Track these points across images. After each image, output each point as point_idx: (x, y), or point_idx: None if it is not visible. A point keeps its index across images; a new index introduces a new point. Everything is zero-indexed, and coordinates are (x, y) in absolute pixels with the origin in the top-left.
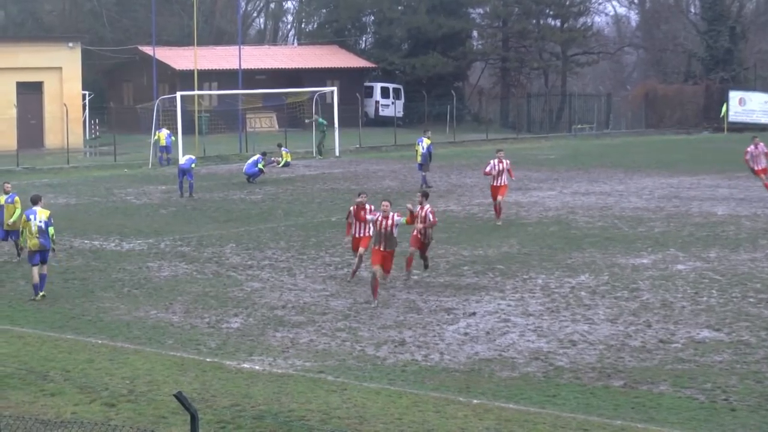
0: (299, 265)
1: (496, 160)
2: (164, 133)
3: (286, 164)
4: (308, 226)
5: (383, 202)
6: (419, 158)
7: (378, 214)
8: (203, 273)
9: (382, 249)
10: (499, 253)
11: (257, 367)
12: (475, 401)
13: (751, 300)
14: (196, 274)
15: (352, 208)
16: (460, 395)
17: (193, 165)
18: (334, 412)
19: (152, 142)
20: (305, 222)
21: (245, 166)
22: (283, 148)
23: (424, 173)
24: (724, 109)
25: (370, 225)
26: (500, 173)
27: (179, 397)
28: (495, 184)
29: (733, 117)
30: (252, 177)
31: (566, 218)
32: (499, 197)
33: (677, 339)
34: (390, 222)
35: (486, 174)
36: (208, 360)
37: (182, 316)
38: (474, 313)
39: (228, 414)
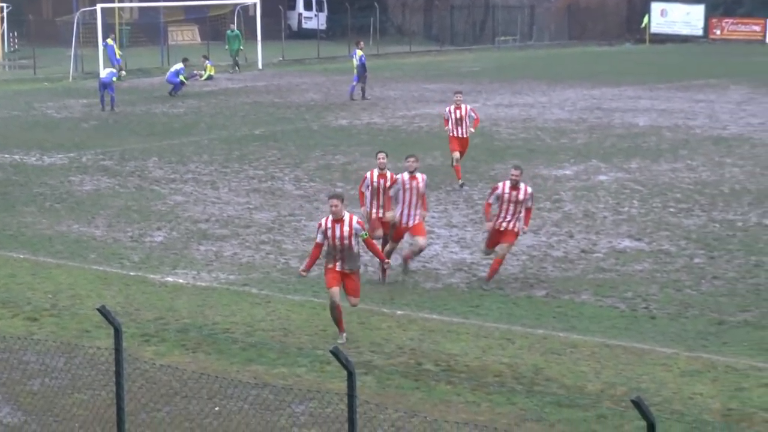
0: (222, 178)
1: (452, 107)
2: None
3: (210, 77)
4: (231, 140)
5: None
6: (355, 71)
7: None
8: (126, 187)
9: (339, 268)
10: (423, 165)
11: (181, 281)
12: (398, 312)
13: (672, 210)
14: (118, 188)
15: (369, 174)
16: (384, 306)
17: (114, 78)
18: (258, 325)
19: (72, 55)
20: (228, 135)
21: (167, 75)
22: (207, 61)
23: (361, 84)
24: (645, 20)
25: (396, 198)
26: (459, 121)
27: (102, 311)
28: (455, 134)
29: (654, 28)
30: (174, 90)
31: (489, 130)
32: (456, 154)
33: (599, 249)
34: (348, 230)
35: (447, 124)
36: (131, 274)
37: (105, 230)
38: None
39: (152, 327)
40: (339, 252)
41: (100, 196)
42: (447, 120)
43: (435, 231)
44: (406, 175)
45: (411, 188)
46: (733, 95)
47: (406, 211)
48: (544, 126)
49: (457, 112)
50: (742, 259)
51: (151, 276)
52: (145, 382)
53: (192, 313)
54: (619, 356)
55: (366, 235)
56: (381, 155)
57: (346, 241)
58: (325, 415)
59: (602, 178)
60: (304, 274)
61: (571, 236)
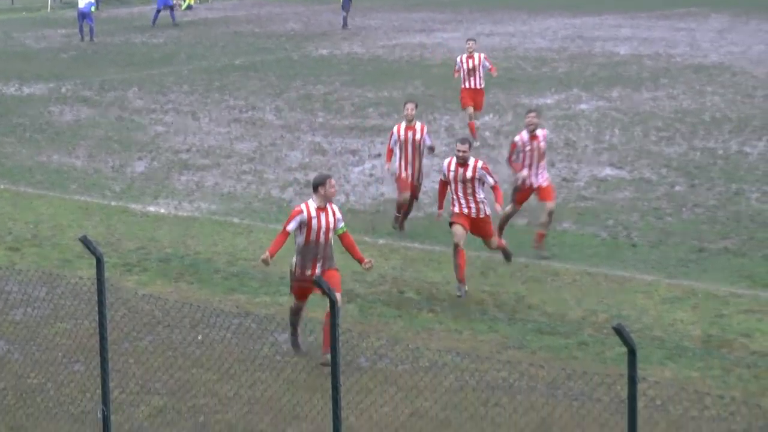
0: (203, 108)
1: (464, 56)
2: None
3: (189, 7)
4: (211, 70)
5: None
6: (341, 0)
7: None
8: (106, 117)
9: (318, 271)
10: (404, 95)
11: (162, 211)
12: (381, 241)
13: (653, 138)
14: (98, 118)
15: (396, 129)
16: (366, 236)
17: (92, 8)
18: (240, 254)
19: None
20: (208, 65)
21: None
22: None
23: (344, 14)
24: None
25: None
26: (472, 71)
27: (84, 241)
28: (467, 86)
29: None
30: (154, 21)
31: None
32: (470, 108)
33: (580, 177)
34: (333, 220)
35: (456, 74)
36: (112, 204)
37: (85, 161)
38: (379, 155)
39: (134, 257)
40: (322, 249)
41: (80, 127)
42: (458, 70)
43: None
44: (525, 135)
45: (532, 149)
46: (714, 23)
47: (527, 171)
48: (525, 55)
49: (470, 61)
50: (723, 187)
51: (133, 206)
52: (127, 312)
53: (174, 243)
54: (600, 284)
55: (345, 229)
56: (409, 105)
57: (330, 234)
58: (308, 344)
59: (583, 106)
60: (268, 261)
61: (553, 165)
